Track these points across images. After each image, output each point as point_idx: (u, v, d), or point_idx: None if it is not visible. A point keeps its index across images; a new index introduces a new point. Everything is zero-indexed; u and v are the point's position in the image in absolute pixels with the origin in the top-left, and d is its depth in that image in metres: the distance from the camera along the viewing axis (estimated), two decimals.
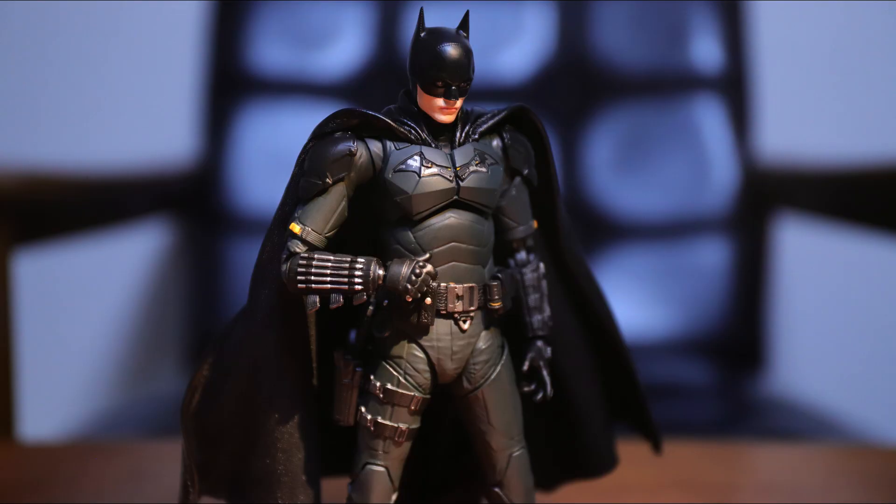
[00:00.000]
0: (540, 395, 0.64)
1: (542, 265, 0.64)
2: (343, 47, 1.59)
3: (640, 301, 1.52)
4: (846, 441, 1.22)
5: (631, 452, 0.92)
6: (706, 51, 1.57)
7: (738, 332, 1.53)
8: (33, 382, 1.35)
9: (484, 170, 0.61)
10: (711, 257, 1.54)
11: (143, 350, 1.77)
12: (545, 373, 0.64)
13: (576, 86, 1.57)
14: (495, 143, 0.62)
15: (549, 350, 0.64)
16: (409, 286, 0.58)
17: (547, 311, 0.64)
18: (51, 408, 1.59)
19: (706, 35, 1.58)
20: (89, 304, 1.75)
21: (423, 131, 0.61)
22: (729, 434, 1.20)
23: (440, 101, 0.60)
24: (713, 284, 1.53)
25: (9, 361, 1.13)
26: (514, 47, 1.57)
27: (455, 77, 0.59)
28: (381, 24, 1.58)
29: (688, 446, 1.00)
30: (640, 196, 1.55)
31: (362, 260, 0.59)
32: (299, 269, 0.58)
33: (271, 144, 1.54)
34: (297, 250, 0.59)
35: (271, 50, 1.59)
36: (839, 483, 0.93)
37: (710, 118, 1.57)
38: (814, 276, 1.71)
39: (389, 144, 0.60)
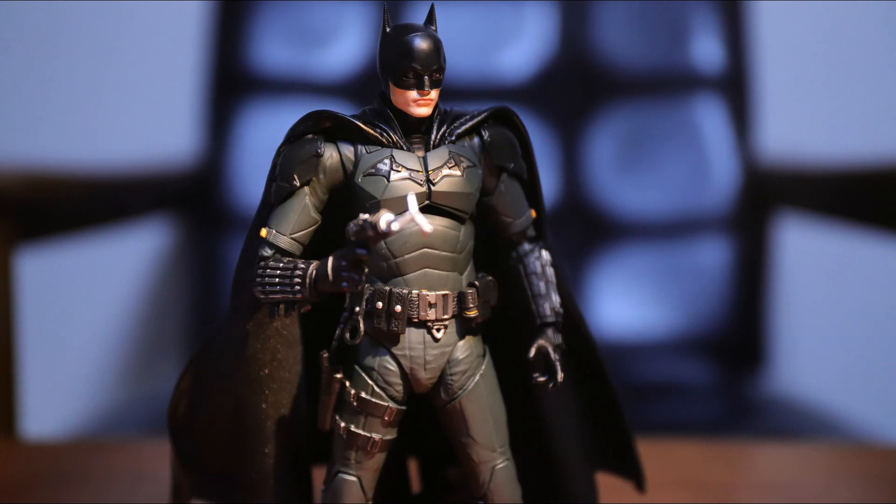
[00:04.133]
0: (551, 385, 0.61)
1: (545, 252, 0.63)
2: (345, 46, 1.59)
3: (640, 301, 1.52)
4: (846, 441, 1.22)
5: None
6: (707, 51, 1.58)
7: (738, 331, 1.53)
8: (35, 380, 1.36)
9: (458, 173, 0.59)
10: (712, 257, 1.54)
11: (145, 348, 1.77)
12: (554, 358, 0.61)
13: (577, 86, 1.57)
14: (475, 141, 0.61)
15: (559, 337, 0.61)
16: (342, 275, 0.56)
17: (555, 299, 0.62)
18: (53, 406, 1.59)
19: (707, 35, 1.58)
20: (91, 303, 1.75)
21: (395, 134, 0.59)
22: (729, 433, 1.20)
23: (413, 93, 0.58)
24: (713, 284, 1.53)
25: (11, 359, 1.13)
26: (514, 47, 1.57)
27: (425, 65, 0.58)
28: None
29: (688, 445, 1.00)
30: (640, 196, 1.55)
31: (303, 264, 0.57)
32: (257, 278, 0.58)
33: (273, 143, 1.53)
34: (265, 254, 0.59)
35: (273, 49, 1.60)
36: (839, 483, 0.93)
37: (710, 118, 1.57)
38: (814, 275, 1.71)
39: (361, 148, 0.59)
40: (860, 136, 1.63)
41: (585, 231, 1.54)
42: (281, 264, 0.58)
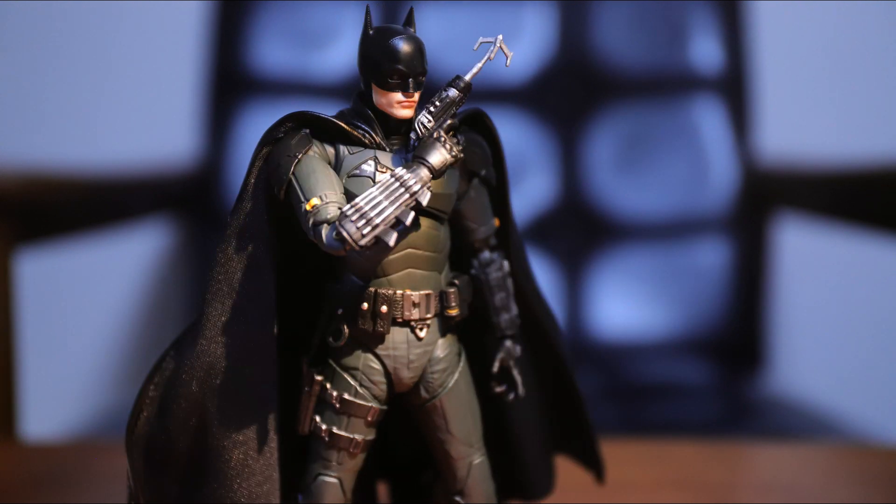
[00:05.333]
0: (511, 396, 0.63)
1: (506, 263, 0.63)
2: (343, 47, 1.59)
3: (640, 301, 1.53)
4: (845, 441, 1.22)
5: (630, 451, 0.92)
6: (706, 51, 1.58)
7: (737, 331, 1.53)
8: (35, 381, 1.36)
9: None
10: (711, 257, 1.54)
11: (145, 349, 1.77)
12: (515, 372, 0.63)
13: (576, 86, 1.57)
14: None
15: (518, 349, 0.63)
16: (454, 154, 0.56)
17: (514, 310, 0.63)
18: (53, 407, 1.59)
19: (706, 35, 1.58)
20: (91, 304, 1.75)
21: (377, 135, 0.59)
22: (728, 433, 1.20)
23: (398, 95, 0.58)
24: (713, 284, 1.53)
25: (11, 360, 1.13)
26: (514, 47, 1.56)
27: (410, 68, 0.58)
28: (382, 23, 1.58)
29: (687, 446, 1.00)
30: (640, 196, 1.55)
31: (402, 169, 0.56)
32: (354, 219, 0.54)
33: None
34: (334, 212, 0.56)
35: (272, 50, 1.60)
36: (838, 483, 0.93)
37: (709, 118, 1.57)
38: (813, 275, 1.71)
39: (343, 149, 0.59)
40: (859, 136, 1.64)
41: (585, 231, 1.55)
42: (373, 189, 0.55)
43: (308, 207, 0.56)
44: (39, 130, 1.73)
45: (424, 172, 0.56)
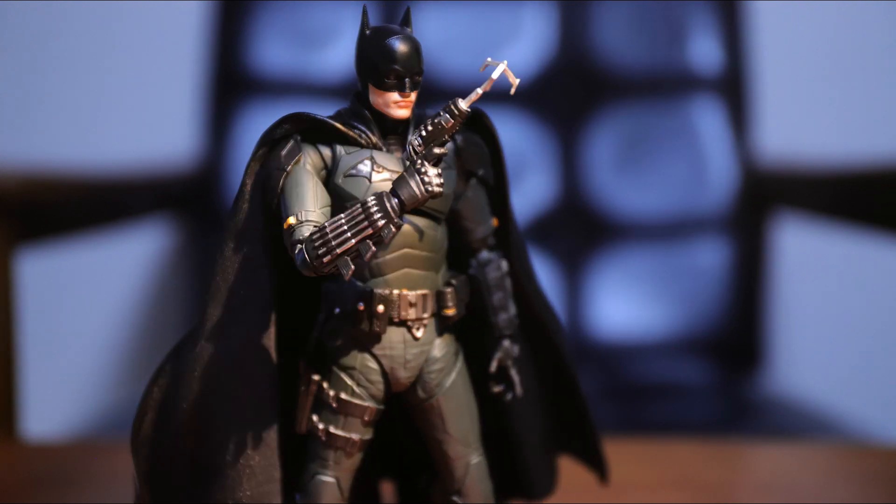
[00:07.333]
0: (509, 396, 0.64)
1: (504, 263, 0.63)
2: (343, 47, 1.59)
3: (639, 301, 1.53)
4: (845, 440, 1.22)
5: (630, 451, 0.93)
6: (705, 51, 1.58)
7: (736, 331, 1.53)
8: (36, 381, 1.36)
9: None
10: (710, 257, 1.54)
11: (145, 349, 1.77)
12: (513, 372, 0.63)
13: (576, 86, 1.57)
14: (449, 144, 0.60)
15: (516, 349, 0.64)
16: (430, 190, 0.56)
17: (512, 310, 0.63)
18: (53, 406, 1.59)
19: (705, 35, 1.58)
20: (92, 304, 1.76)
21: (374, 135, 0.60)
22: (727, 433, 1.20)
23: (395, 95, 0.59)
24: (712, 284, 1.53)
25: (12, 360, 1.13)
26: (514, 47, 1.57)
27: (407, 68, 0.58)
28: (380, 23, 1.58)
29: (686, 445, 1.00)
30: (639, 196, 1.55)
31: (371, 198, 0.56)
32: (317, 245, 0.55)
33: None
34: (308, 232, 0.56)
35: (272, 50, 1.60)
36: (837, 482, 0.93)
37: (709, 118, 1.57)
38: (812, 275, 1.71)
39: (339, 149, 0.59)
40: (858, 136, 1.64)
41: (584, 232, 1.55)
42: (342, 215, 0.56)
43: (285, 226, 0.57)
44: (39, 130, 1.73)
45: (395, 205, 0.55)
